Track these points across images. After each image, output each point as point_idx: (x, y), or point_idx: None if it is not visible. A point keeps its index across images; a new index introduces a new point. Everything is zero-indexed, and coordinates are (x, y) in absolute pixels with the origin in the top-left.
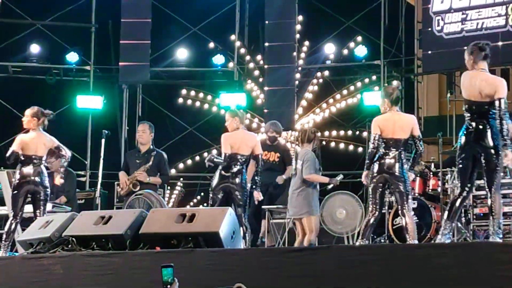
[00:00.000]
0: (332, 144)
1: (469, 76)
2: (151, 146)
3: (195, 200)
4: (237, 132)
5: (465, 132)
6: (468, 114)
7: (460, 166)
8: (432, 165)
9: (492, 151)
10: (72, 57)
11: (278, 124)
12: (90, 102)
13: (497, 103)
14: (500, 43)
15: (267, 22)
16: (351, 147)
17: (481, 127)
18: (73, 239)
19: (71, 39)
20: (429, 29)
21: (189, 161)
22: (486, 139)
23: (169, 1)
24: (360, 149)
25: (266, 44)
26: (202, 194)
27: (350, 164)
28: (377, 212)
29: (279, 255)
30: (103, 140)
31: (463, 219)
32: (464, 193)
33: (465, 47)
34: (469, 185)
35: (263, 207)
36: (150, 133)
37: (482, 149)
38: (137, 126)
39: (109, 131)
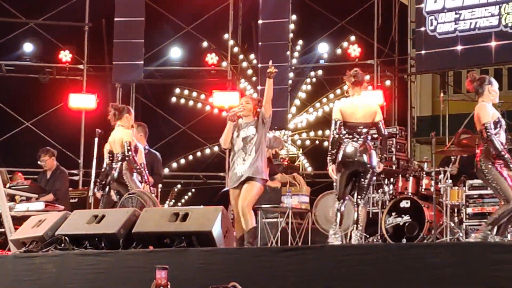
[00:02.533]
0: (325, 143)
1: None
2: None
3: (186, 197)
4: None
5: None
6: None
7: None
8: (425, 164)
9: (368, 167)
10: (66, 56)
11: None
12: (83, 101)
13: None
14: (493, 43)
15: (260, 21)
16: None
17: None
18: (66, 238)
19: (64, 38)
20: (422, 28)
21: (183, 160)
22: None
23: (163, 0)
24: None
25: (260, 43)
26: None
27: None
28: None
29: (273, 254)
30: (96, 139)
31: (456, 219)
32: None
33: (458, 47)
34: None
35: (256, 206)
36: (138, 132)
37: (361, 165)
38: None
39: (102, 130)
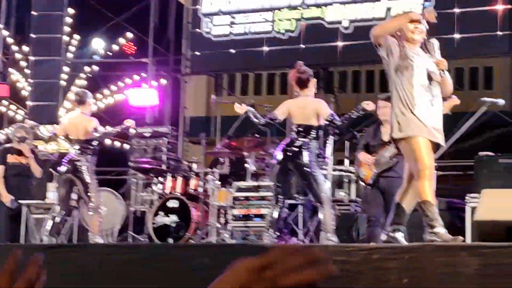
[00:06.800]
0: None
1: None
2: None
3: None
4: None
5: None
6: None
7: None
8: (195, 165)
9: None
10: None
11: None
12: None
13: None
14: (265, 48)
15: (33, 12)
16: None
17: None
18: None
19: None
20: (198, 30)
21: None
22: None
23: None
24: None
25: (33, 35)
26: None
27: None
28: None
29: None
30: None
31: (222, 220)
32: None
33: (232, 50)
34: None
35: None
36: None
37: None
38: None
39: None
